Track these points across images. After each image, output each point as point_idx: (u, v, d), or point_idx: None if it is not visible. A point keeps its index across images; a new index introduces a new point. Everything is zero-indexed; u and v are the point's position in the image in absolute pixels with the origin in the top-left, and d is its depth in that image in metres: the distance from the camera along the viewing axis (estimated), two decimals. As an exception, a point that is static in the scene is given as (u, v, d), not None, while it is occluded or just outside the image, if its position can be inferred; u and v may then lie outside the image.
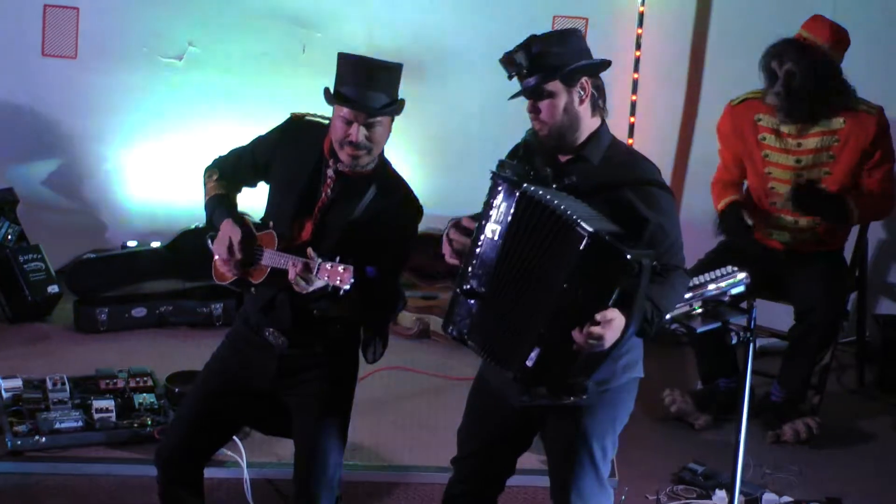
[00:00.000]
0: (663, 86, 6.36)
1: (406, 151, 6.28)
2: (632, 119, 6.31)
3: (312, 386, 4.03)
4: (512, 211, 3.50)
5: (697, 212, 5.91)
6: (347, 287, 3.70)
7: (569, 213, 3.39)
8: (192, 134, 6.36)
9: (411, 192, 4.01)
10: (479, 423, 3.91)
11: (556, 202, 3.43)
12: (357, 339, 4.10)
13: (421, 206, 3.99)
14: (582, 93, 3.57)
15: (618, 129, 6.27)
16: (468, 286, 3.57)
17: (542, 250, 3.46)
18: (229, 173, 4.11)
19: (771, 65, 5.16)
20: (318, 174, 3.95)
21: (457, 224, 3.63)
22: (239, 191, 4.15)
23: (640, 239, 3.49)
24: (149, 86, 6.39)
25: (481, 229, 3.55)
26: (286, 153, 4.00)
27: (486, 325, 3.57)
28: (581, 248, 3.36)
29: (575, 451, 3.75)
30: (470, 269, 3.56)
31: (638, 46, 6.27)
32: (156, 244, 6.32)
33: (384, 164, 3.98)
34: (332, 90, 3.87)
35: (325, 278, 3.72)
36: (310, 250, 3.77)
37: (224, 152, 4.18)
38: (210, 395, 4.09)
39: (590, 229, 3.35)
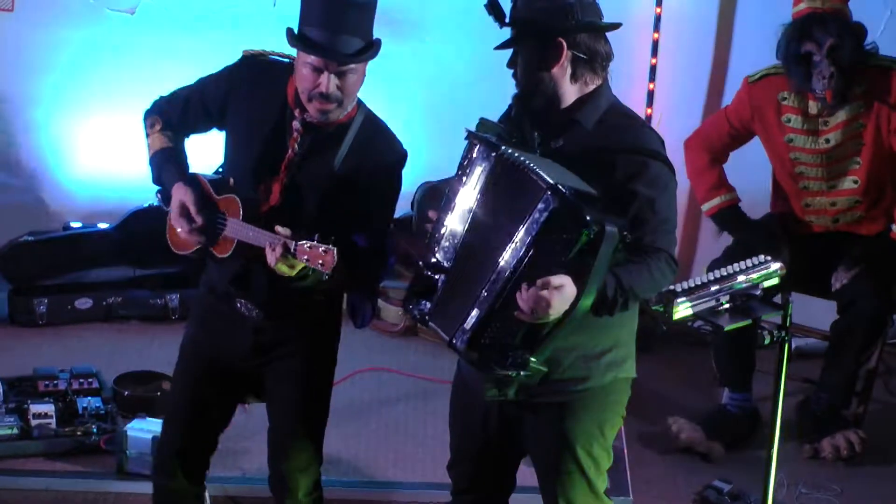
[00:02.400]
0: (688, 48, 6.36)
1: (389, 118, 6.27)
2: (651, 85, 6.31)
3: (292, 361, 4.04)
4: (486, 175, 3.55)
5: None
6: (330, 272, 3.71)
7: (535, 168, 3.44)
8: (145, 99, 6.31)
9: (394, 134, 3.99)
10: (460, 423, 3.96)
11: (531, 164, 3.47)
12: (338, 305, 4.10)
13: (405, 150, 3.97)
14: (554, 55, 3.61)
15: (636, 97, 6.34)
16: (434, 259, 3.61)
17: (505, 211, 3.51)
18: (175, 122, 4.06)
19: (803, 49, 5.15)
20: (282, 125, 3.92)
21: (431, 190, 3.68)
22: (187, 137, 4.10)
23: (624, 213, 3.52)
24: (96, 43, 6.38)
25: (452, 196, 3.60)
26: (244, 99, 3.96)
27: (448, 302, 3.61)
28: (538, 202, 3.42)
29: (559, 458, 3.78)
30: (437, 241, 3.61)
31: (658, 2, 6.27)
32: (103, 226, 6.31)
33: (360, 108, 3.94)
34: (295, 31, 3.82)
35: (305, 260, 3.72)
36: (280, 228, 3.76)
37: (166, 94, 4.11)
38: (196, 383, 4.11)
39: (550, 181, 3.40)
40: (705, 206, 5.49)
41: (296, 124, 3.88)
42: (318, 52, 3.76)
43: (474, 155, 3.58)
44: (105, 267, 6.24)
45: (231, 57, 4.00)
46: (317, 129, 3.89)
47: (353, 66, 3.81)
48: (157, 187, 4.07)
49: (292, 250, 3.71)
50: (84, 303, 6.13)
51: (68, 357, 5.68)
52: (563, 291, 3.42)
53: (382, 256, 3.98)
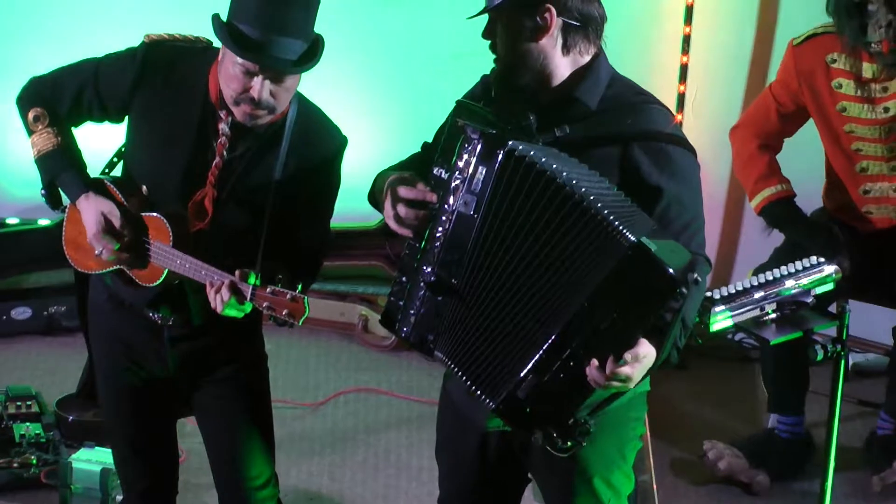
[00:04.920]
0: (727, 16, 6.37)
1: (366, 107, 6.29)
2: (684, 58, 6.31)
3: (225, 371, 4.07)
4: (494, 176, 3.48)
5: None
6: (300, 323, 3.71)
7: (590, 197, 3.36)
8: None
9: (330, 119, 3.99)
10: (451, 453, 3.95)
11: (563, 171, 3.38)
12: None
13: (345, 136, 3.97)
14: (541, 23, 3.59)
15: (666, 72, 6.34)
16: (434, 277, 3.57)
17: (547, 237, 3.43)
18: (65, 114, 4.00)
19: None
20: (205, 127, 3.88)
21: (404, 181, 3.58)
22: (74, 128, 4.03)
23: (649, 215, 3.50)
24: (40, 7, 6.38)
25: (446, 197, 3.54)
26: (155, 94, 3.90)
27: (460, 331, 3.58)
28: (617, 258, 3.35)
29: (572, 491, 3.76)
30: (434, 252, 3.56)
31: (693, -39, 6.29)
32: (45, 222, 6.31)
33: (292, 100, 3.90)
34: (223, 21, 3.76)
35: (266, 308, 3.71)
36: (239, 272, 3.74)
37: (46, 77, 4.02)
38: (135, 416, 4.14)
39: (632, 238, 3.34)
40: (754, 202, 5.42)
41: (223, 128, 3.85)
42: (254, 57, 3.71)
43: (470, 149, 3.50)
44: (47, 270, 6.24)
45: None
46: (248, 131, 3.86)
47: None
48: (39, 171, 3.99)
49: (249, 297, 3.72)
50: (22, 312, 6.12)
51: (3, 376, 5.68)
52: (645, 362, 3.40)
53: (320, 255, 4.01)
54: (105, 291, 4.07)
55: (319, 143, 3.93)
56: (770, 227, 5.44)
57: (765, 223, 5.44)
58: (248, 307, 3.75)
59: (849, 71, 5.26)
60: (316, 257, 3.99)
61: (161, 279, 3.88)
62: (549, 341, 3.45)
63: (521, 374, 3.48)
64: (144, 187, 3.93)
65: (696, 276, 3.38)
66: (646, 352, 3.39)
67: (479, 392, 3.57)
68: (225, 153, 3.86)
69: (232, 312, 3.75)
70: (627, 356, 3.36)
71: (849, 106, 5.28)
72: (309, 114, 3.94)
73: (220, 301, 3.73)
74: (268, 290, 3.70)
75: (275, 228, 3.85)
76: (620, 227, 3.35)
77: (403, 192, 3.54)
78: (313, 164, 3.91)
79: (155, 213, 3.88)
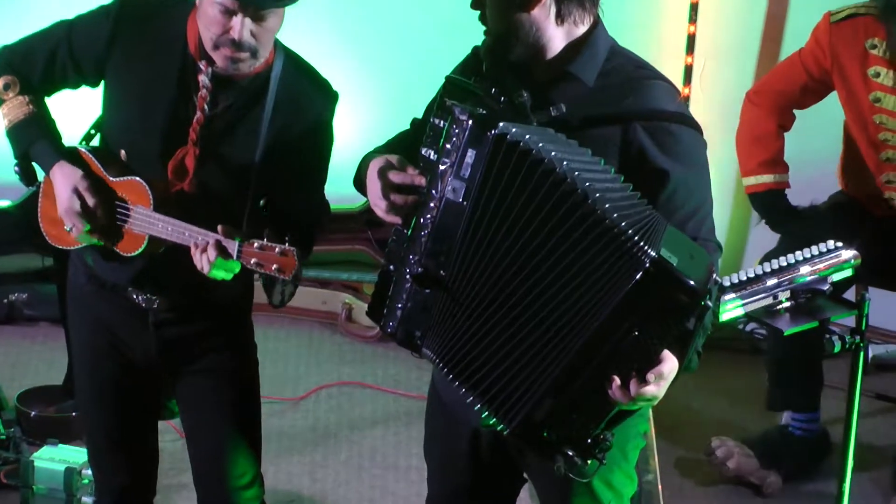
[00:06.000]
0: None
1: (351, 81, 6.27)
2: (691, 28, 6.30)
3: (212, 359, 4.06)
4: (484, 162, 3.44)
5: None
6: (290, 278, 3.70)
7: (596, 194, 3.30)
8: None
9: (319, 73, 3.99)
10: (440, 452, 3.94)
11: (563, 161, 3.32)
12: (251, 283, 4.07)
13: (336, 91, 3.97)
14: None
15: (672, 42, 6.33)
16: (421, 269, 3.54)
17: (545, 236, 3.39)
18: (37, 81, 4.01)
19: None
20: (185, 81, 3.88)
21: (392, 165, 3.56)
22: (48, 96, 4.05)
23: (654, 203, 3.46)
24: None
25: (434, 182, 3.50)
26: (130, 50, 3.90)
27: (450, 329, 3.55)
28: (637, 278, 3.31)
29: (570, 493, 3.75)
30: (421, 241, 3.52)
31: (700, -77, 6.28)
32: (3, 203, 6.29)
33: (277, 49, 3.91)
34: None
35: (254, 265, 3.70)
36: (222, 228, 3.73)
37: (16, 45, 4.02)
38: (115, 404, 4.12)
39: (653, 254, 3.29)
40: (750, 181, 5.40)
41: (203, 79, 3.84)
42: None
43: (458, 132, 3.45)
44: (6, 255, 6.23)
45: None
46: (230, 83, 3.86)
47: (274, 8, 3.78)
48: (10, 143, 4.02)
49: (235, 254, 3.71)
50: (-20, 300, 6.13)
51: (-40, 368, 5.68)
52: (670, 377, 3.38)
53: (319, 218, 4.01)
54: (86, 273, 4.06)
55: (308, 99, 3.92)
56: (759, 216, 5.43)
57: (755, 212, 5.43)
58: (235, 266, 3.73)
59: (889, 60, 5.21)
60: (310, 229, 3.96)
61: (143, 247, 3.87)
62: (566, 361, 3.40)
63: (536, 395, 3.44)
64: (123, 152, 3.92)
65: (716, 277, 3.38)
66: (670, 367, 3.36)
67: (487, 413, 3.53)
68: (206, 107, 3.85)
69: (220, 274, 3.74)
70: (651, 376, 3.34)
71: (883, 97, 5.24)
72: (296, 67, 3.94)
73: (207, 262, 3.72)
74: (255, 244, 3.68)
75: (262, 193, 3.84)
76: (638, 240, 3.29)
77: (392, 176, 3.50)
78: (303, 121, 3.90)
79: (134, 178, 3.86)
